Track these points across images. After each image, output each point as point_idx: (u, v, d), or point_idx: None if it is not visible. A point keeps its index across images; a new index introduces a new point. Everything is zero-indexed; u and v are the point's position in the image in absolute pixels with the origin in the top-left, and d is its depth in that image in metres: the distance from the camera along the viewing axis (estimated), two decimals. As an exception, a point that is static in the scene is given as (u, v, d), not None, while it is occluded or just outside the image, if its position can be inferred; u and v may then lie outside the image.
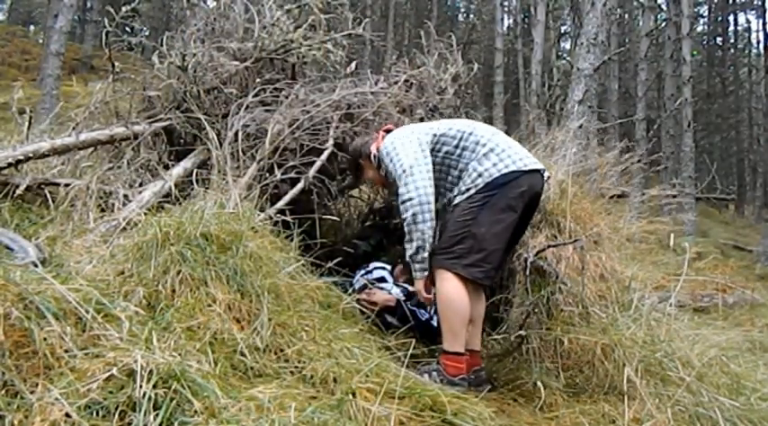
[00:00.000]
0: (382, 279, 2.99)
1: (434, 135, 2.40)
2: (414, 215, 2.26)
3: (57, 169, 2.99)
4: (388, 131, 2.62)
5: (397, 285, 2.94)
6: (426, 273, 2.33)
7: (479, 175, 2.28)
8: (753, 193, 21.88)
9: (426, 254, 2.30)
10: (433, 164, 2.35)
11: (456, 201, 2.32)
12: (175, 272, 1.86)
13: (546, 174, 2.41)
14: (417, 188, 2.27)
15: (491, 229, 2.21)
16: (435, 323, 2.44)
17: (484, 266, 2.21)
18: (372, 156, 2.56)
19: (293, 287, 2.19)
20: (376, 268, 3.09)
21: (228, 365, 1.66)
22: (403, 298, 2.79)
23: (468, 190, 2.28)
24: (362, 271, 3.07)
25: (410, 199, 2.27)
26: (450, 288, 2.22)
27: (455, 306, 2.21)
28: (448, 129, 2.42)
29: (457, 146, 2.38)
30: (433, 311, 2.64)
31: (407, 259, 2.36)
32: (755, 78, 23.50)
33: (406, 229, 2.31)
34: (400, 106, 3.38)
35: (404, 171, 2.31)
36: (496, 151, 2.30)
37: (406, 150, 2.35)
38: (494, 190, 2.24)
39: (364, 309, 2.63)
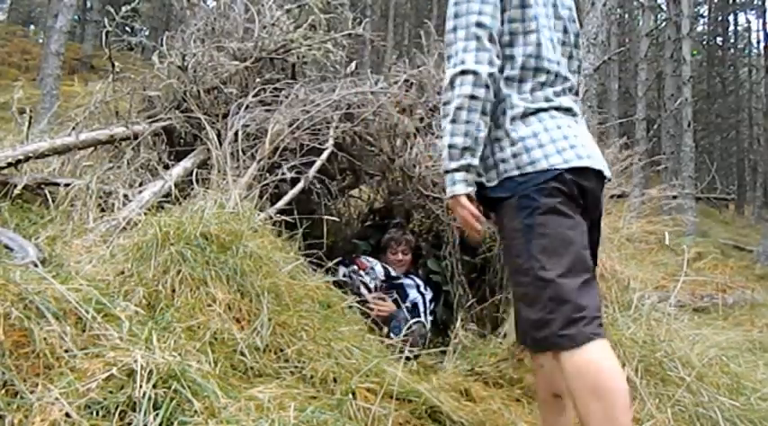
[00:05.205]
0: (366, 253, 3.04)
1: None
2: (458, 106, 1.51)
3: (56, 169, 2.99)
4: None
5: (384, 267, 2.98)
6: (469, 189, 1.52)
7: (513, 155, 1.50)
8: (753, 193, 21.86)
9: (467, 160, 1.50)
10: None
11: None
12: (175, 272, 1.86)
13: (608, 173, 1.60)
14: (472, 62, 1.50)
15: (561, 261, 1.41)
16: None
17: (580, 314, 1.38)
18: None
19: (293, 286, 2.19)
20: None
21: (228, 365, 1.66)
22: (394, 308, 2.82)
23: (491, 180, 1.54)
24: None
25: (457, 73, 1.53)
26: (574, 372, 1.38)
27: (596, 391, 1.35)
28: None
29: (508, 21, 1.57)
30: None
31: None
32: (755, 78, 23.50)
33: (441, 112, 1.58)
34: (400, 106, 3.38)
35: (453, 28, 1.55)
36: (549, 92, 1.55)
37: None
38: (532, 198, 1.45)
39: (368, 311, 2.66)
